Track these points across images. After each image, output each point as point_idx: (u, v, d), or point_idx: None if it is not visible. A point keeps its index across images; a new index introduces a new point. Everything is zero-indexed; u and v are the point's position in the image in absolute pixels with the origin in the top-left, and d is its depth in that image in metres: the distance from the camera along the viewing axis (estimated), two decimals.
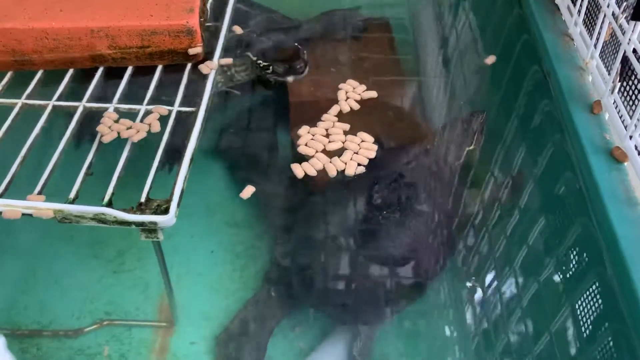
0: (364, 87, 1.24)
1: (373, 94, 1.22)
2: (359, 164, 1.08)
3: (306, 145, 1.11)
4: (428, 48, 1.47)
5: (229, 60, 1.18)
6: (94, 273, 1.02)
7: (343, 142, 1.12)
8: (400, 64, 1.38)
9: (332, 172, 1.07)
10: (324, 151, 1.10)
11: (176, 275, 1.01)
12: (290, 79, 1.27)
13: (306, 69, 1.28)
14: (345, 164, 1.08)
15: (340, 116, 1.18)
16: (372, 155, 1.10)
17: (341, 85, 1.24)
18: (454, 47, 1.46)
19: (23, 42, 1.04)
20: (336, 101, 1.21)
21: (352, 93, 1.22)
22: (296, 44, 1.30)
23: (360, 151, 1.10)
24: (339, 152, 1.10)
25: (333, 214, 1.04)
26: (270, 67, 1.24)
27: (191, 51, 1.08)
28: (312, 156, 1.09)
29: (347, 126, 1.15)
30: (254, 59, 1.25)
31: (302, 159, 1.09)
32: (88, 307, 0.98)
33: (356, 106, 1.20)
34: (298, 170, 1.06)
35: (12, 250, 1.06)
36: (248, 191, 1.04)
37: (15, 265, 1.04)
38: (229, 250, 1.06)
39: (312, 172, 1.07)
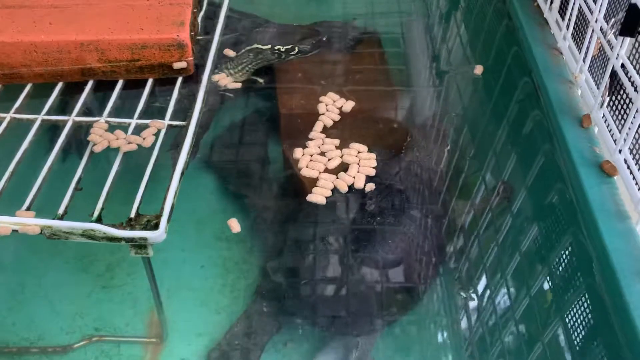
0: (343, 100, 1.24)
1: (351, 104, 1.22)
2: (368, 176, 1.08)
3: (307, 167, 1.10)
4: (418, 59, 1.47)
5: (236, 86, 1.19)
6: (83, 288, 1.01)
7: (341, 157, 1.12)
8: (390, 75, 1.38)
9: (344, 189, 1.06)
10: (326, 170, 1.10)
11: (166, 290, 1.00)
12: (313, 52, 1.29)
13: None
14: (354, 177, 1.08)
15: (327, 130, 1.18)
16: (374, 163, 1.10)
17: (321, 99, 1.24)
18: (444, 58, 1.47)
19: (12, 55, 1.04)
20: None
21: (331, 106, 1.23)
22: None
23: (361, 162, 1.11)
24: (341, 168, 1.10)
25: (325, 226, 1.04)
26: (295, 48, 1.25)
27: (176, 65, 1.08)
28: (317, 178, 1.08)
29: (336, 141, 1.15)
30: (266, 47, 1.25)
31: (310, 183, 1.08)
32: (77, 322, 0.97)
33: (337, 118, 1.20)
34: (318, 198, 1.05)
35: None
36: (234, 225, 1.03)
37: (3, 280, 1.03)
38: (220, 264, 1.05)
39: (329, 194, 1.06)
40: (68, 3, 1.10)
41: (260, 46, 1.27)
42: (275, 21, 1.45)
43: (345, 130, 1.19)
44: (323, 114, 1.21)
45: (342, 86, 1.29)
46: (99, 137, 0.97)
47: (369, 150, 1.14)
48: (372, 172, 1.09)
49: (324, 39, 1.34)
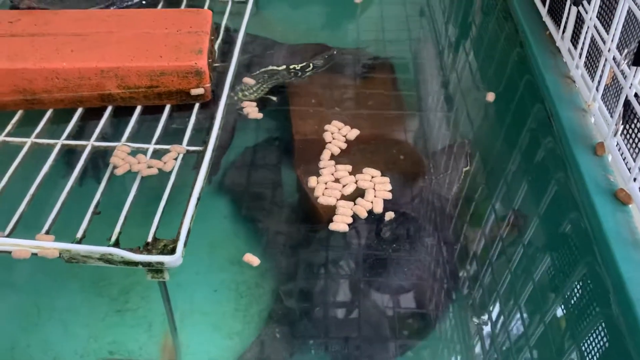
0: (348, 127, 1.25)
1: (355, 132, 1.23)
2: (385, 200, 1.08)
3: (323, 194, 1.11)
4: (429, 86, 1.49)
5: (259, 116, 1.23)
6: (97, 311, 1.02)
7: (355, 183, 1.12)
8: (402, 101, 1.40)
9: (363, 214, 1.07)
10: (342, 197, 1.11)
11: (180, 314, 1.00)
12: (327, 66, 1.33)
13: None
14: (372, 202, 1.08)
15: (337, 157, 1.19)
16: (389, 187, 1.11)
17: (326, 127, 1.25)
18: (456, 85, 1.48)
19: (34, 81, 1.06)
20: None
21: (337, 134, 1.24)
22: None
23: (377, 186, 1.11)
24: (357, 193, 1.11)
25: (338, 251, 1.04)
26: (310, 64, 1.27)
27: (193, 92, 1.10)
28: (335, 205, 1.09)
29: (349, 167, 1.16)
30: (281, 68, 1.27)
31: (326, 210, 1.09)
32: (92, 345, 0.97)
33: (343, 146, 1.21)
34: (340, 226, 1.05)
35: (14, 287, 1.05)
36: (252, 259, 1.03)
37: (18, 302, 1.04)
38: (233, 289, 1.05)
39: (350, 220, 1.06)
40: (89, 31, 1.13)
41: (275, 67, 1.29)
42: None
43: (356, 156, 1.20)
44: (330, 142, 1.22)
45: (354, 112, 1.30)
46: (121, 160, 0.99)
47: (382, 175, 1.14)
48: (389, 196, 1.10)
49: (335, 52, 1.35)
